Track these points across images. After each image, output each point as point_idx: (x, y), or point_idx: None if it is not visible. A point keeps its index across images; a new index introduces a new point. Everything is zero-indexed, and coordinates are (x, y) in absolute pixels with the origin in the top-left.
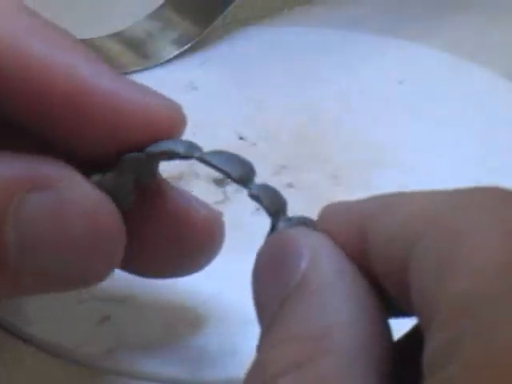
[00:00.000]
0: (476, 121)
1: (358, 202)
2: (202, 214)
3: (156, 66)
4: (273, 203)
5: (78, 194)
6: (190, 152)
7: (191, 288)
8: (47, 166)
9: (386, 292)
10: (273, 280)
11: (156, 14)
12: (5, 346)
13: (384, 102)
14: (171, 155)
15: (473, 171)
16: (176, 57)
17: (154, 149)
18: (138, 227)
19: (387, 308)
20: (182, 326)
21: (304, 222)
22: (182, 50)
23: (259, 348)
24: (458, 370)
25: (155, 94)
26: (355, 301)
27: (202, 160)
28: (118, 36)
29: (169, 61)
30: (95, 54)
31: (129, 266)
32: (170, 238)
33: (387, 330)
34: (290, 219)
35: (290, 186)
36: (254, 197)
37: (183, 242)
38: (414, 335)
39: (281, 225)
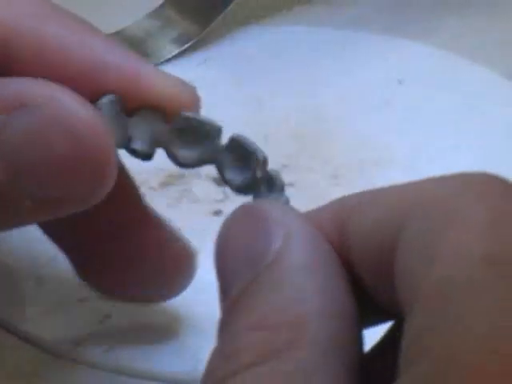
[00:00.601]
0: (476, 120)
1: (339, 198)
2: (178, 245)
3: (156, 64)
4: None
5: (61, 112)
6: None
7: (192, 287)
8: (29, 84)
9: (364, 290)
10: (241, 255)
11: (156, 13)
12: (5, 345)
13: (384, 102)
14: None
15: (472, 170)
16: (176, 56)
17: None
18: (116, 249)
19: (363, 306)
20: (182, 325)
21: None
22: (181, 49)
23: (222, 334)
24: (428, 366)
25: (168, 74)
26: (331, 288)
27: None
28: (117, 35)
29: (168, 60)
30: (106, 35)
31: (103, 287)
32: (146, 263)
33: (359, 324)
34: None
35: (290, 185)
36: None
37: (157, 269)
38: (392, 336)
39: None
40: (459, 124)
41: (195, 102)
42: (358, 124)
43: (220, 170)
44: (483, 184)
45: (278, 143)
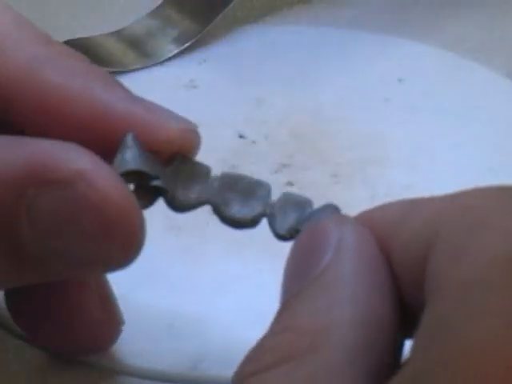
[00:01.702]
0: (476, 119)
1: (378, 212)
2: (108, 311)
3: (156, 64)
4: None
5: (92, 192)
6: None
7: (192, 287)
8: (60, 153)
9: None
10: (298, 269)
11: (156, 13)
12: (5, 346)
13: (384, 101)
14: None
15: (472, 169)
16: (176, 55)
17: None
18: (49, 302)
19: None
20: (182, 324)
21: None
22: (181, 48)
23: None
24: (424, 364)
25: (171, 114)
26: (367, 298)
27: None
28: (118, 34)
29: (169, 59)
30: (110, 76)
31: (30, 334)
32: (73, 321)
33: (396, 341)
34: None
35: (290, 184)
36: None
37: (81, 328)
38: None
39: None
40: (459, 123)
41: (199, 143)
42: (357, 123)
43: (219, 209)
44: (497, 192)
45: (278, 143)
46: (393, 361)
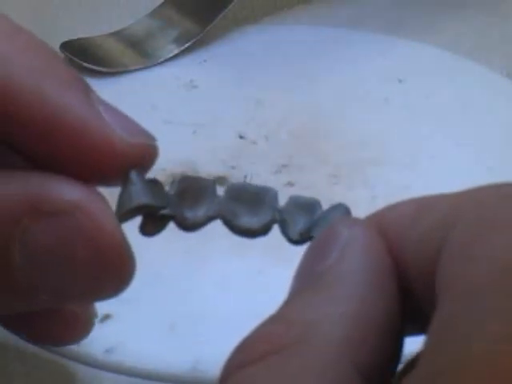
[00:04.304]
0: (475, 119)
1: (391, 211)
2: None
3: (156, 64)
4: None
5: (86, 223)
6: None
7: (192, 287)
8: (53, 185)
9: (414, 297)
10: (306, 267)
11: (156, 13)
12: (5, 345)
13: (384, 101)
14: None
15: (472, 169)
16: (176, 55)
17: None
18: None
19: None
20: (182, 324)
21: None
22: (182, 48)
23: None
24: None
25: (128, 125)
26: (363, 301)
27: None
28: (118, 34)
29: (169, 59)
30: (72, 76)
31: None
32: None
33: (394, 345)
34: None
35: (290, 184)
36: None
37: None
38: None
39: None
40: (459, 123)
41: (153, 159)
42: (357, 123)
43: (229, 222)
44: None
45: (278, 143)
46: (392, 357)
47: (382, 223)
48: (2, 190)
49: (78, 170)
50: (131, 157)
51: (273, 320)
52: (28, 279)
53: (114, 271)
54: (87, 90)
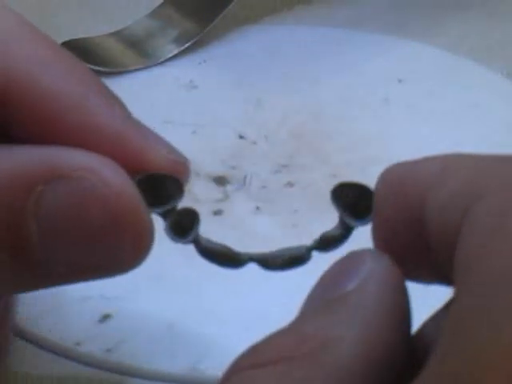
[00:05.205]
0: (475, 120)
1: (414, 169)
2: None
3: (156, 64)
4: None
5: (98, 186)
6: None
7: (192, 287)
8: (64, 154)
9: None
10: (328, 285)
11: (156, 13)
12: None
13: (384, 101)
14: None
15: None
16: (176, 55)
17: None
18: None
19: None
20: (182, 324)
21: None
22: (181, 48)
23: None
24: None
25: (162, 141)
26: (377, 330)
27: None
28: (118, 35)
29: (169, 59)
30: (108, 89)
31: None
32: None
33: (398, 358)
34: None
35: (290, 184)
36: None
37: None
38: None
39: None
40: (459, 123)
41: (187, 176)
42: (357, 123)
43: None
44: None
45: (278, 143)
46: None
47: (405, 178)
48: (15, 158)
49: None
50: (167, 170)
51: (285, 332)
52: (44, 251)
53: (131, 238)
54: (123, 105)
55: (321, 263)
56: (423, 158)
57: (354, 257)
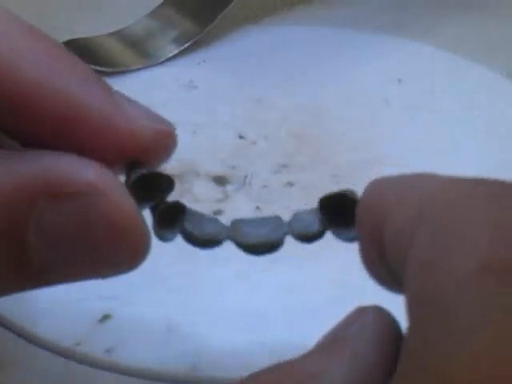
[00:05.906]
0: (476, 120)
1: (390, 187)
2: None
3: (156, 64)
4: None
5: (101, 202)
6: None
7: (192, 287)
8: (68, 165)
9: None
10: (332, 331)
11: (156, 13)
12: (6, 345)
13: (383, 101)
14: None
15: (472, 170)
16: (176, 55)
17: None
18: None
19: None
20: (182, 324)
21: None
22: (181, 48)
23: None
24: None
25: (143, 110)
26: (364, 374)
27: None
28: (118, 34)
29: (169, 59)
30: (93, 73)
31: None
32: None
33: None
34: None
35: (290, 184)
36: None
37: None
38: None
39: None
40: (459, 123)
41: (172, 145)
42: (357, 123)
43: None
44: (487, 188)
45: (278, 143)
46: None
47: (380, 196)
48: (15, 170)
49: (97, 157)
50: (153, 143)
51: (277, 367)
52: (41, 260)
53: (129, 250)
54: (105, 84)
55: (319, 267)
56: (409, 174)
57: (360, 310)
